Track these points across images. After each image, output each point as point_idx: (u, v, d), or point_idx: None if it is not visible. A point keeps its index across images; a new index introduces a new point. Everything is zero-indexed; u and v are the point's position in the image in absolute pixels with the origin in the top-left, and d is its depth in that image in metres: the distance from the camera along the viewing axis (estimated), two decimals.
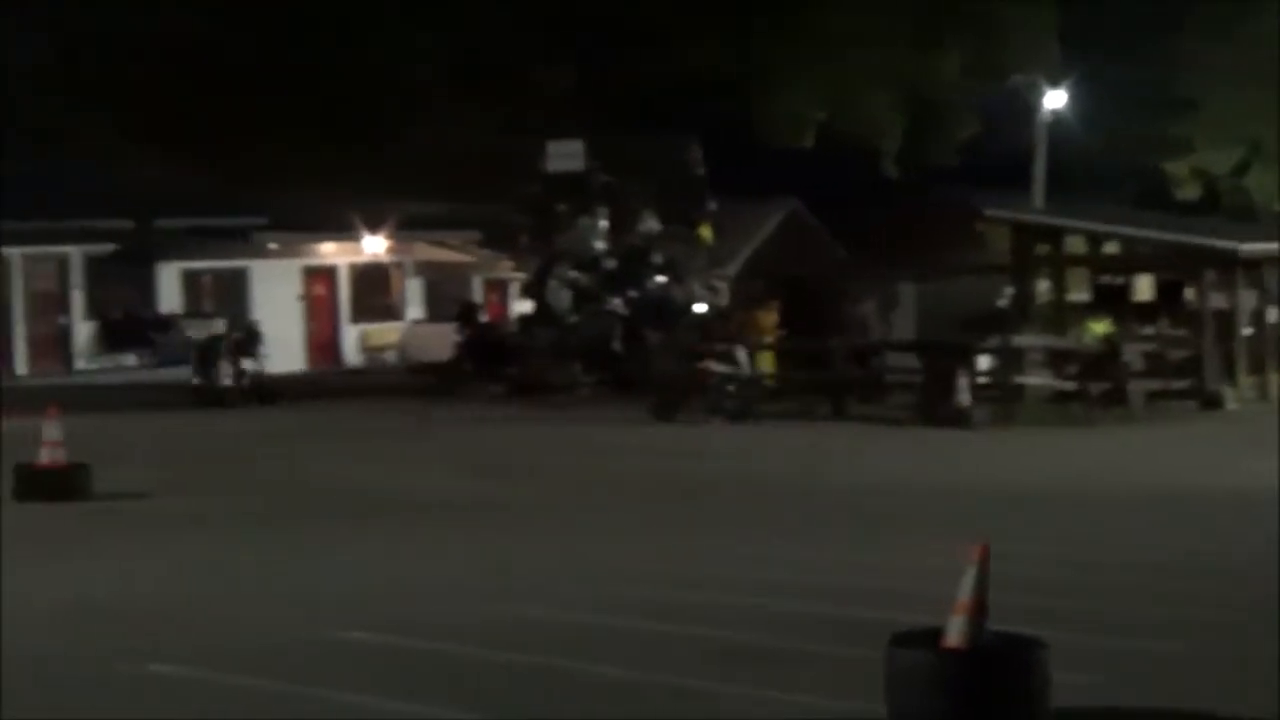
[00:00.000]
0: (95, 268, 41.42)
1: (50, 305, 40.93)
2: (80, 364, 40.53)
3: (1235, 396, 29.18)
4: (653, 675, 9.21)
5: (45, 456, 16.66)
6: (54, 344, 40.84)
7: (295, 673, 9.29)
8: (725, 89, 34.71)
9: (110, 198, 38.48)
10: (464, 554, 13.87)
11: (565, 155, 35.55)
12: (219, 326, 33.71)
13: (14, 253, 40.02)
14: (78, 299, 41.25)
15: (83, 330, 41.15)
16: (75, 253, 41.11)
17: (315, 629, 10.49)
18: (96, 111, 35.86)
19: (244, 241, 43.17)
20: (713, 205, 36.79)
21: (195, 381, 32.65)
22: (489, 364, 34.97)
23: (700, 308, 35.75)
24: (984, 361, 29.55)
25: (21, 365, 39.93)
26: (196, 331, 34.03)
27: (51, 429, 16.74)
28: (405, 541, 14.53)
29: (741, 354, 29.77)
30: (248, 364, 32.70)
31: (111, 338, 41.33)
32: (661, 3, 34.84)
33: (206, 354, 32.98)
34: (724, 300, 36.93)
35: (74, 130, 35.90)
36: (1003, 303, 34.67)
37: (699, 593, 11.74)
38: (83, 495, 16.47)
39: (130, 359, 40.69)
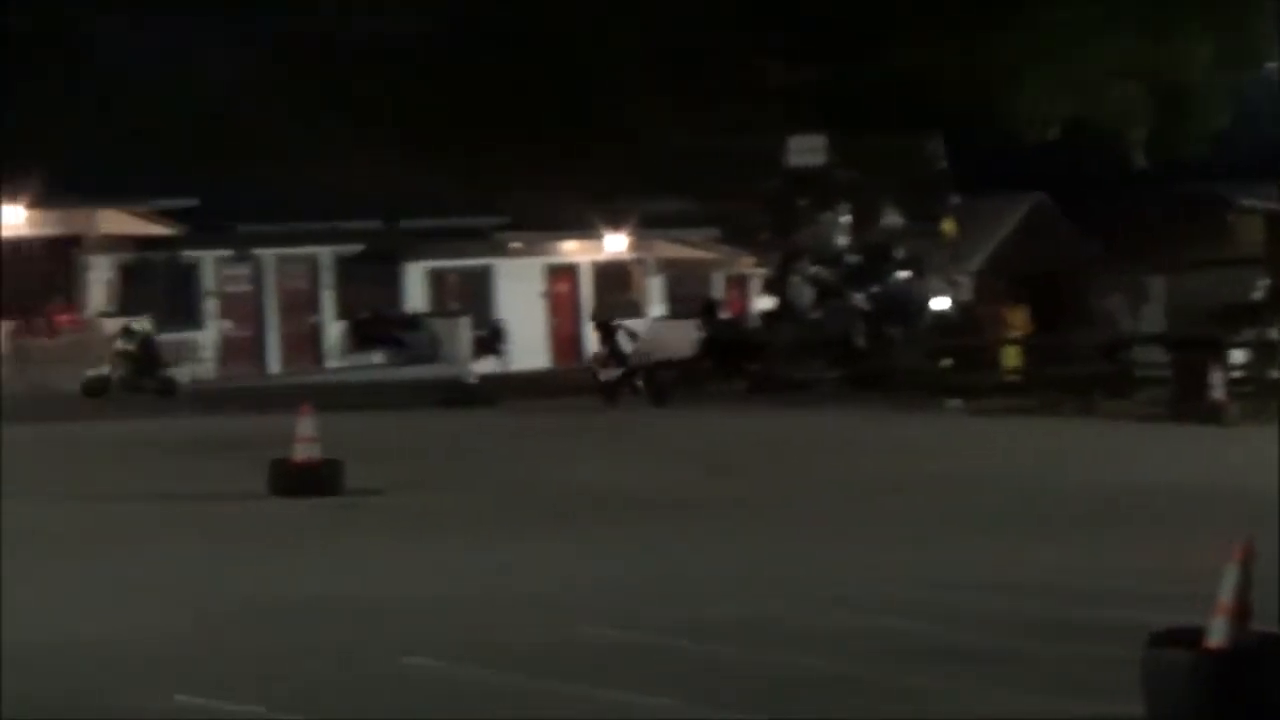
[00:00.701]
0: (344, 268, 42.28)
1: (301, 304, 41.87)
2: (331, 362, 41.38)
3: None
4: (887, 673, 9.12)
5: (299, 452, 16.97)
6: (306, 342, 41.78)
7: (545, 667, 9.36)
8: (968, 83, 34.28)
9: (358, 199, 39.22)
10: (699, 551, 13.86)
11: (806, 150, 35.42)
12: (143, 324, 33.88)
13: (268, 254, 41.02)
14: (328, 298, 42.13)
15: (332, 329, 41.99)
16: (325, 253, 41.99)
17: (561, 624, 10.55)
18: (345, 114, 36.58)
19: (488, 241, 43.74)
20: (955, 200, 36.40)
21: (114, 375, 32.90)
22: (730, 360, 34.97)
23: (942, 303, 35.40)
24: (1238, 356, 28.82)
25: (275, 363, 40.95)
26: (125, 342, 33.61)
27: (305, 426, 17.06)
28: (642, 539, 14.56)
29: (624, 337, 31.16)
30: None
31: (360, 336, 42.13)
32: None
33: (142, 351, 33.09)
34: (967, 295, 36.54)
35: (324, 133, 36.65)
36: (1257, 295, 33.77)
37: (938, 592, 11.59)
38: (335, 491, 16.76)
39: (378, 357, 41.43)
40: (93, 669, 9.55)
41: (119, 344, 33.16)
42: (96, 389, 32.28)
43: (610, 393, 31.12)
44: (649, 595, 11.68)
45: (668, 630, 10.27)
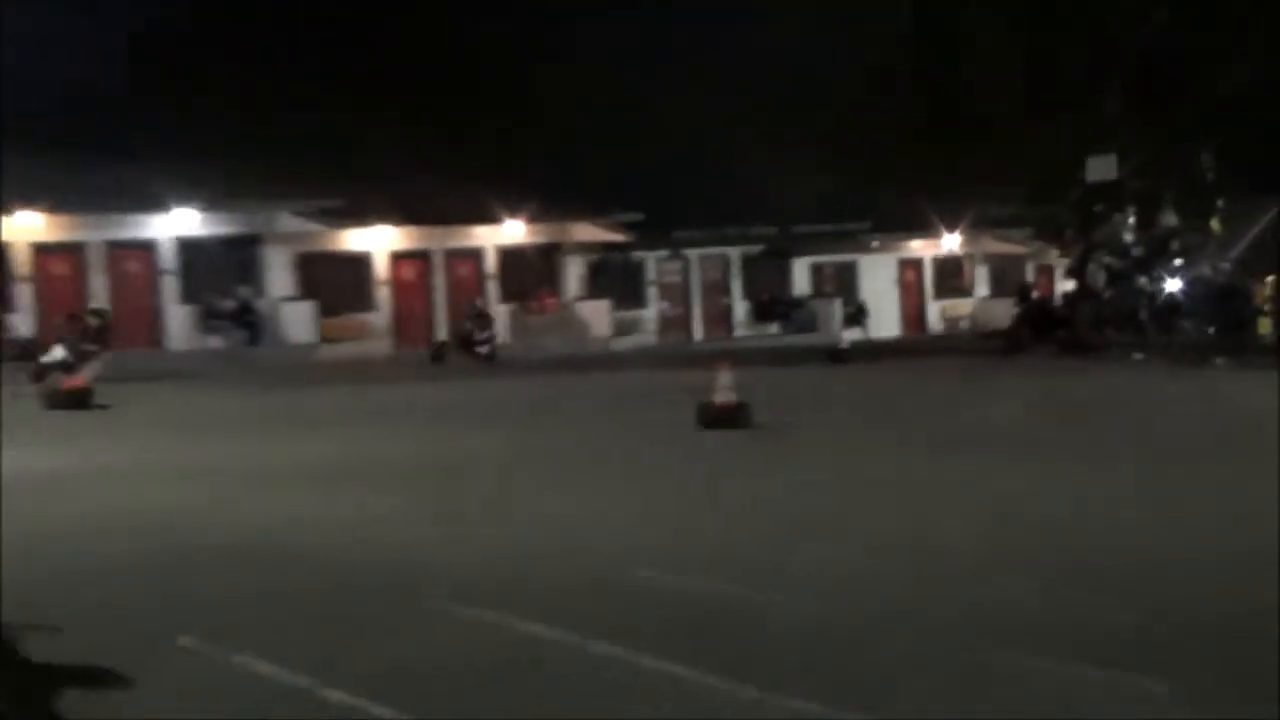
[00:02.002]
0: (748, 262, 42.48)
1: (717, 290, 42.31)
2: (738, 332, 41.59)
3: None
4: None
5: (719, 397, 16.85)
6: (720, 318, 42.16)
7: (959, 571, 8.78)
8: (1253, 103, 31.86)
9: (759, 209, 39.42)
10: (1053, 485, 13.04)
11: (1101, 168, 34.01)
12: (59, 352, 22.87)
13: (693, 253, 41.50)
14: (736, 286, 42.37)
15: (739, 308, 42.22)
16: (734, 253, 42.24)
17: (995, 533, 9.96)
18: (762, 138, 36.55)
19: (854, 241, 43.37)
20: (1220, 203, 34.33)
21: None
22: (1042, 330, 33.80)
23: (1173, 287, 33.36)
24: None
25: (698, 333, 41.47)
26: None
27: (723, 377, 16.94)
28: (1020, 470, 13.71)
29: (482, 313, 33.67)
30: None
31: (759, 313, 42.31)
32: (1202, 26, 32.32)
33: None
34: (1225, 279, 34.50)
35: (738, 153, 36.72)
36: None
37: None
38: (746, 425, 16.57)
39: (774, 328, 41.50)
40: (583, 552, 9.42)
41: None
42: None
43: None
44: (1010, 524, 10.93)
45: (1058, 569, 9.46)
